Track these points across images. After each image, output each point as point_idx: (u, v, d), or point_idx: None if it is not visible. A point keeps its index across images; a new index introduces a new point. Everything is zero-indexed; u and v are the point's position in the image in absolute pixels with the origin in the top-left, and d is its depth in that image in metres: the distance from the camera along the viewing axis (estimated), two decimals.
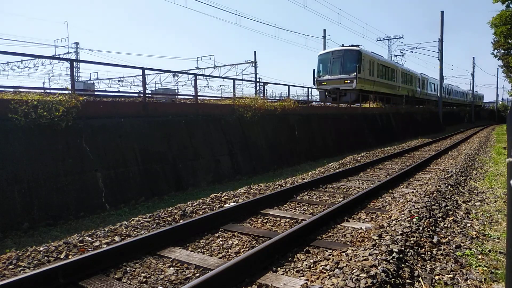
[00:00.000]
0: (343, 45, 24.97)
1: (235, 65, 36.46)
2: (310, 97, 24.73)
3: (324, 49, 30.70)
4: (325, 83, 22.86)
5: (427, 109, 35.45)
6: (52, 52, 35.74)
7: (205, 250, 4.33)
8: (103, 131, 7.78)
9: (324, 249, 4.26)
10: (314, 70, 23.92)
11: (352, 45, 23.83)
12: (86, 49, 69.23)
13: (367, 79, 23.30)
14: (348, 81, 21.83)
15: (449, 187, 7.01)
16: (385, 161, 12.04)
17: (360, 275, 3.13)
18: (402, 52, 41.31)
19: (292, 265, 3.83)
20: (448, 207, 5.63)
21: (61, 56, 33.77)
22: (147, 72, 11.09)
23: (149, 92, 20.69)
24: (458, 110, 51.90)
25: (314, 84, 23.55)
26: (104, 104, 8.27)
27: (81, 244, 4.36)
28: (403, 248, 3.76)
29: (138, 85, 33.54)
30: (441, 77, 35.36)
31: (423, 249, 3.93)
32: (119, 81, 37.38)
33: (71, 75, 8.45)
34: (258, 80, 35.41)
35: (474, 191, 7.02)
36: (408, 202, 5.88)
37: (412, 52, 39.58)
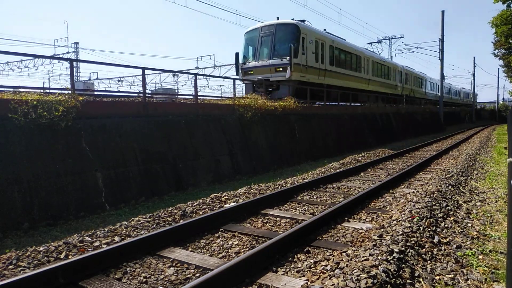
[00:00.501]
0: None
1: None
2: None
3: None
4: (251, 72, 16.36)
5: (427, 109, 35.42)
6: (52, 52, 35.80)
7: (205, 250, 4.32)
8: (103, 131, 7.77)
9: (325, 249, 4.25)
10: (237, 54, 16.83)
11: (293, 19, 16.72)
12: (86, 49, 69.36)
13: (312, 67, 16.69)
14: (281, 69, 15.49)
15: (450, 187, 7.00)
16: (386, 161, 12.03)
17: (361, 275, 3.12)
18: (402, 52, 41.23)
19: (292, 265, 3.82)
20: (449, 207, 5.62)
21: (61, 56, 33.79)
22: (147, 72, 11.09)
23: (149, 92, 20.72)
24: (459, 110, 51.80)
25: (237, 74, 16.96)
26: (104, 104, 8.26)
27: (81, 244, 4.35)
28: (403, 248, 3.76)
29: (138, 85, 33.55)
30: (442, 76, 35.39)
31: (424, 249, 3.92)
32: (119, 81, 37.40)
33: (71, 75, 8.45)
34: None
35: (475, 191, 7.00)
36: (409, 202, 5.87)
37: (413, 52, 39.53)
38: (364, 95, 23.32)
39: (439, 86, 41.89)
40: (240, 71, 16.89)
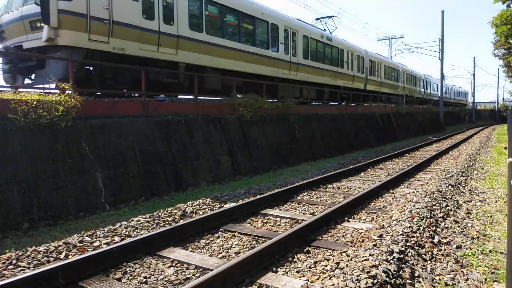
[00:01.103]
0: None
1: None
2: None
3: None
4: (4, 34, 8.94)
5: (427, 109, 35.43)
6: None
7: (205, 251, 4.32)
8: (103, 131, 7.77)
9: (325, 249, 4.25)
10: None
11: None
12: None
13: (133, 26, 9.01)
14: (39, 25, 8.01)
15: (449, 187, 7.00)
16: (386, 161, 12.03)
17: (361, 275, 3.12)
18: (402, 52, 41.16)
19: (292, 265, 3.82)
20: (449, 207, 5.61)
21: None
22: None
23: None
24: (459, 110, 51.87)
25: None
26: (104, 104, 8.26)
27: (81, 244, 4.35)
28: (403, 249, 3.75)
29: None
30: (442, 76, 35.38)
31: (424, 250, 3.92)
32: None
33: (71, 74, 8.41)
34: None
35: (475, 191, 7.00)
36: (409, 202, 5.87)
37: (413, 52, 39.44)
38: (289, 87, 15.48)
39: (425, 81, 39.15)
40: None
